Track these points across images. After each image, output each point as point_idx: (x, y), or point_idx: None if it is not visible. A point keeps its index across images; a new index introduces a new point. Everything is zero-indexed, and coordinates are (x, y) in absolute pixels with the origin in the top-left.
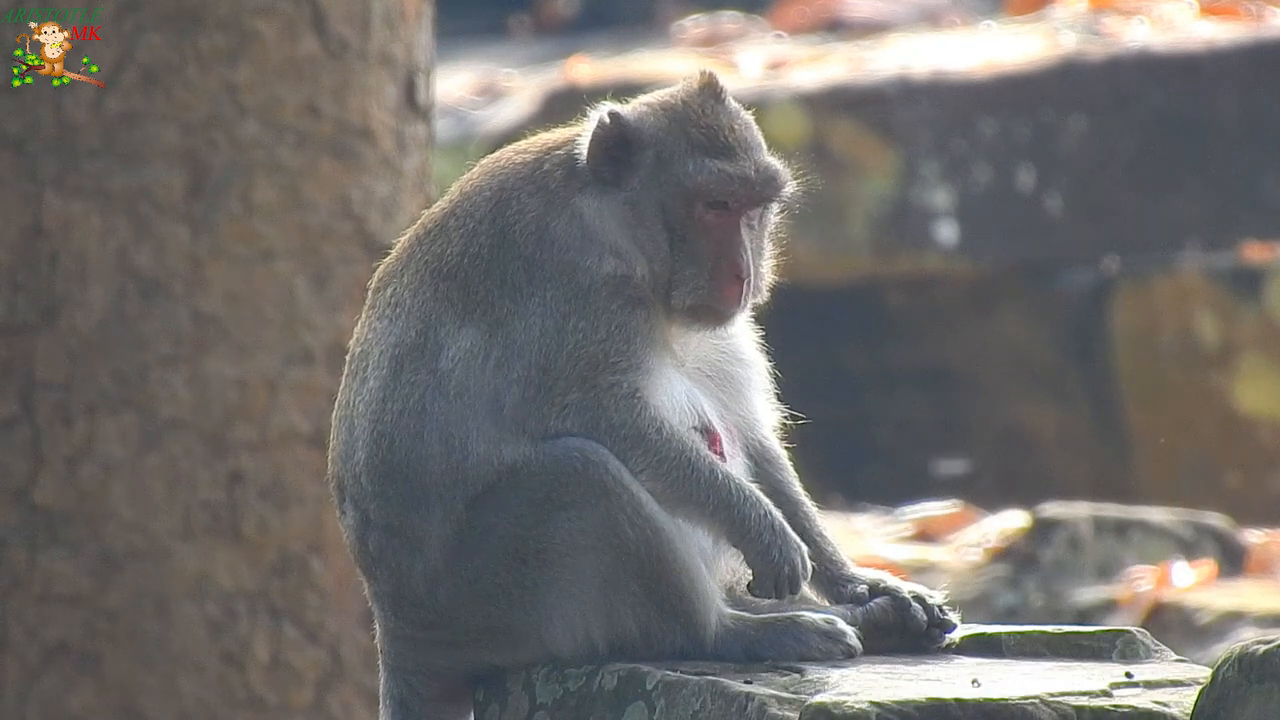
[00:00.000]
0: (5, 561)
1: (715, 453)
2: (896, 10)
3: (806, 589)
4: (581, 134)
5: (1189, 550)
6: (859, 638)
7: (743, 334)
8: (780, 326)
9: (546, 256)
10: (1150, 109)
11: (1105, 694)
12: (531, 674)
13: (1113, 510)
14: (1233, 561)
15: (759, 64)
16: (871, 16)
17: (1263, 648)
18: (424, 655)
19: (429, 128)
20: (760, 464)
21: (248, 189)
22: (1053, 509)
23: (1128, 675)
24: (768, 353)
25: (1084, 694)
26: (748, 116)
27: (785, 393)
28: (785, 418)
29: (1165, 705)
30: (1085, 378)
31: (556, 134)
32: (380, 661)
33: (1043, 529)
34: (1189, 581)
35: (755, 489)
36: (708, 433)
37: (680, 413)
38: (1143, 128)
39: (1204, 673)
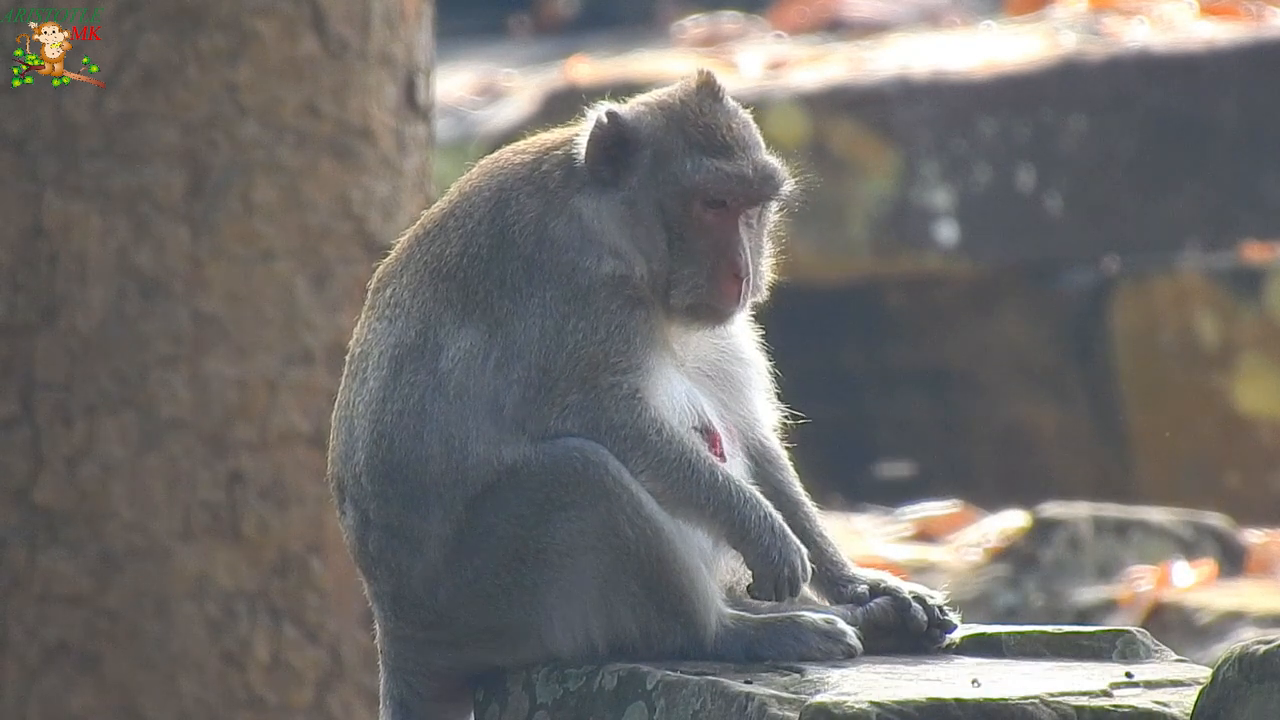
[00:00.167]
0: (5, 561)
1: (715, 453)
2: (896, 10)
3: (807, 589)
4: (580, 134)
5: (1189, 550)
6: (859, 638)
7: (742, 333)
8: (780, 326)
9: (546, 257)
10: (1150, 109)
11: (1105, 694)
12: (531, 674)
13: (1113, 510)
14: (1233, 561)
15: (759, 64)
16: (871, 16)
17: (1263, 648)
18: (424, 655)
19: (429, 128)
20: (760, 464)
21: (248, 189)
22: (1053, 509)
23: (1128, 675)
24: (768, 353)
25: (1084, 694)
26: (746, 115)
27: (785, 393)
28: (785, 418)
29: (1165, 705)
30: (1085, 378)
31: (555, 134)
32: (380, 661)
33: (1043, 529)
34: (1189, 581)
35: (755, 490)
36: (708, 433)
37: (680, 413)
38: (1143, 128)
39: (1204, 673)
